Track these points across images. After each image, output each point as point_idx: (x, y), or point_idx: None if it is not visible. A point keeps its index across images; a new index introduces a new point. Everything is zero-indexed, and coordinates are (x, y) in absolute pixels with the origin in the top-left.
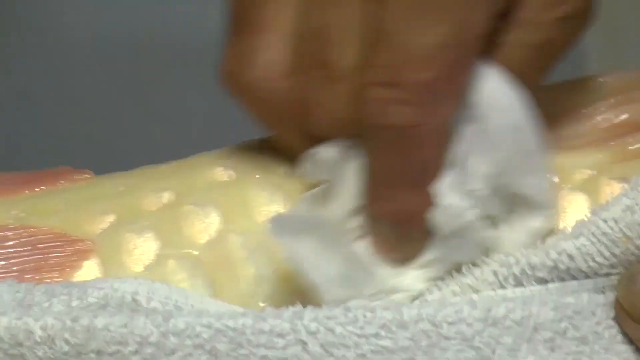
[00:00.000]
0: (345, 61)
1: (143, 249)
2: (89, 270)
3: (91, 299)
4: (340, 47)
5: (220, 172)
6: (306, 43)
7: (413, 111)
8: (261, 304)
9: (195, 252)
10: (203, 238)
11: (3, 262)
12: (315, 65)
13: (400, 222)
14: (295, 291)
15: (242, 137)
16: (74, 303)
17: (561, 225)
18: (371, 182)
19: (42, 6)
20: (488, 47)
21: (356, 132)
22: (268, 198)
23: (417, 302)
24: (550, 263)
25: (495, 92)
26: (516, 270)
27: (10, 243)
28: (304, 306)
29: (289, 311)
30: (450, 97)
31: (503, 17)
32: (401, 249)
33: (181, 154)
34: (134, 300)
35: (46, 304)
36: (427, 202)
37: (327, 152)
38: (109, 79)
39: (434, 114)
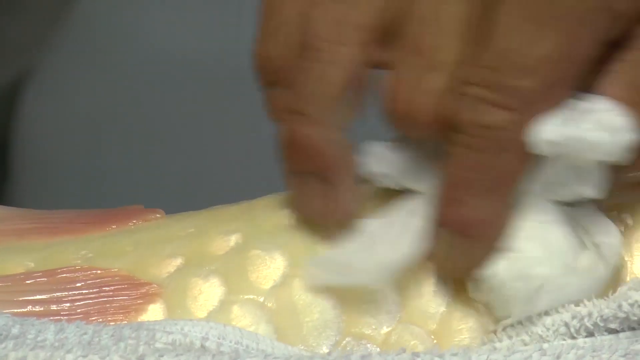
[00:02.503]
0: (444, 53)
1: (208, 294)
2: (154, 313)
3: (159, 345)
4: (440, 38)
5: (287, 215)
6: (404, 26)
7: (509, 116)
8: (325, 350)
9: (260, 298)
10: (268, 283)
11: (69, 304)
12: (409, 49)
13: (465, 232)
14: (360, 337)
15: None
16: (141, 349)
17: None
18: (446, 184)
19: (112, 28)
20: (595, 73)
21: (434, 127)
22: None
23: (485, 347)
24: (622, 315)
25: (599, 123)
26: (588, 322)
27: (78, 285)
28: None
29: (356, 355)
30: (545, 110)
31: (614, 45)
32: (460, 264)
33: (253, 184)
34: (203, 346)
35: (113, 348)
36: (498, 213)
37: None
38: (180, 103)
39: (527, 124)
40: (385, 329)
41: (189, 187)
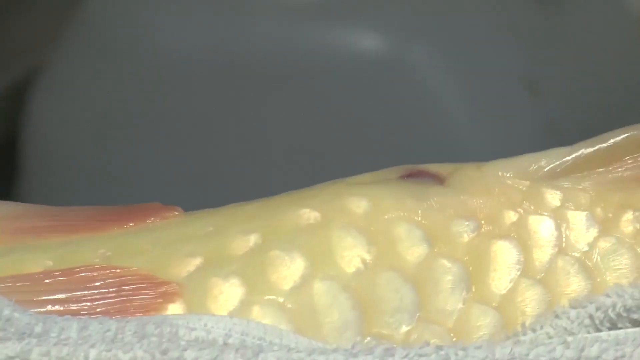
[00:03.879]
0: None
1: (228, 294)
2: (173, 313)
3: (182, 342)
4: None
5: (306, 214)
6: None
7: None
8: None
9: (280, 299)
10: (288, 284)
11: (88, 304)
12: None
13: None
14: (380, 337)
15: (329, 157)
16: (164, 345)
17: None
18: None
19: (127, 29)
20: None
21: None
22: (352, 243)
23: (509, 341)
24: None
25: None
26: (612, 314)
27: (97, 284)
28: None
29: (380, 348)
30: None
31: None
32: None
33: (268, 179)
34: (225, 344)
35: (137, 345)
36: None
37: None
38: (191, 100)
39: None
40: (404, 328)
41: (201, 182)
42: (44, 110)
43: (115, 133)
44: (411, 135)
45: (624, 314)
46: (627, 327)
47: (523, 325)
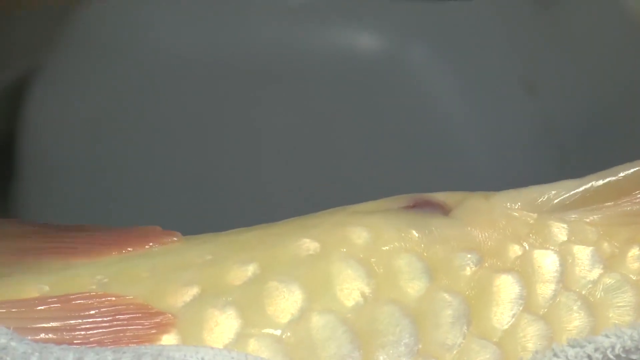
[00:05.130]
0: None
1: (224, 326)
2: (168, 344)
3: None
4: None
5: (306, 245)
6: None
7: None
8: None
9: (277, 332)
10: (285, 317)
11: (83, 333)
12: None
13: None
14: None
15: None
16: None
17: None
18: None
19: (124, 29)
20: None
21: None
22: (352, 275)
23: None
24: None
25: None
26: (611, 354)
27: (91, 312)
28: None
29: None
30: None
31: None
32: None
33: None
34: None
35: None
36: None
37: None
38: (189, 104)
39: None
40: None
41: (198, 179)
42: (42, 109)
43: (113, 132)
44: (408, 134)
45: (623, 355)
46: None
47: None
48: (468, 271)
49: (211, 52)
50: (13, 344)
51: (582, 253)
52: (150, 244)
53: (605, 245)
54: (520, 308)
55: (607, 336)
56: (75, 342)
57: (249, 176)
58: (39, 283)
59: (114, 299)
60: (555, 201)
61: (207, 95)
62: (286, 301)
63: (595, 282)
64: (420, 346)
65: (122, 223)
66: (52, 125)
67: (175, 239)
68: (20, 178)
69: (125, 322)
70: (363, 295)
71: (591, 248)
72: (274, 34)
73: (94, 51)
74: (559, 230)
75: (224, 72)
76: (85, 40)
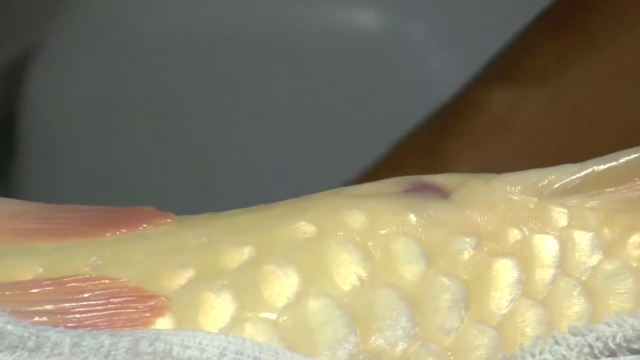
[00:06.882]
0: None
1: (219, 310)
2: (162, 327)
3: None
4: None
5: (302, 228)
6: None
7: None
8: None
9: (273, 316)
10: (281, 301)
11: (77, 316)
12: None
13: None
14: (375, 355)
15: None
16: None
17: None
18: None
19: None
20: None
21: None
22: (348, 259)
23: None
24: None
25: None
26: (612, 344)
27: (85, 295)
28: None
29: None
30: None
31: None
32: None
33: (269, 175)
34: None
35: None
36: None
37: None
38: (189, 82)
39: None
40: (400, 346)
41: (200, 158)
42: (42, 88)
43: (113, 111)
44: (409, 112)
45: (624, 344)
46: (625, 356)
47: (521, 347)
48: (466, 255)
49: (212, 29)
50: (9, 327)
51: (582, 238)
52: (144, 225)
53: (606, 231)
54: (519, 292)
55: (608, 325)
56: (69, 325)
57: (248, 152)
58: (32, 265)
59: (108, 281)
60: (556, 185)
61: (207, 72)
62: (282, 285)
63: (595, 268)
64: (417, 330)
65: (121, 200)
66: (53, 103)
67: (169, 220)
68: (20, 155)
69: (120, 305)
70: (360, 279)
71: (591, 234)
72: (276, 11)
73: (94, 29)
74: (559, 215)
75: (224, 49)
76: (86, 18)
